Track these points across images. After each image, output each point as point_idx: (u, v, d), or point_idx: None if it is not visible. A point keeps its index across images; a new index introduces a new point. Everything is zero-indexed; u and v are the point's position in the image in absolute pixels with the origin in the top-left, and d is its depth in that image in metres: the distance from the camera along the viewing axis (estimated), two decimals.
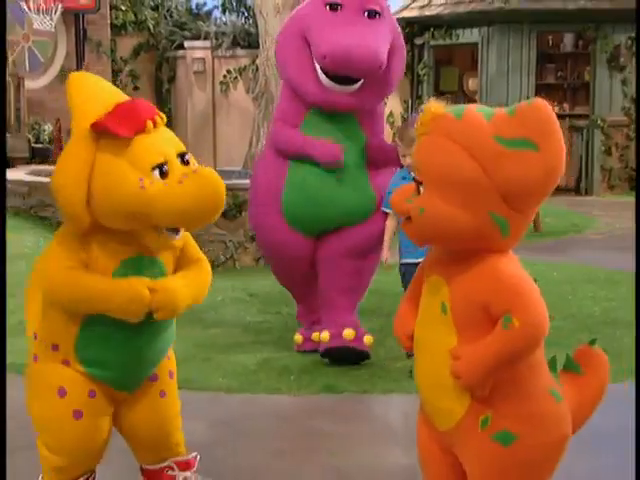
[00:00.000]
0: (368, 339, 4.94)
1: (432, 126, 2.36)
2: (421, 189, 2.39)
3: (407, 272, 4.61)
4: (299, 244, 4.98)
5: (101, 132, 2.66)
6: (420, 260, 4.91)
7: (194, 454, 3.16)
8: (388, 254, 4.89)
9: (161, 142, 2.73)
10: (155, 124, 2.72)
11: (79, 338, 2.81)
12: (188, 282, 2.84)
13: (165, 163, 2.67)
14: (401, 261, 4.81)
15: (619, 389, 4.05)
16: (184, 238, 2.90)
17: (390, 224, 4.87)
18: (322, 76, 4.70)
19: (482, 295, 2.33)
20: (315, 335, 5.05)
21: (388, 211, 4.80)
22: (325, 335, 4.92)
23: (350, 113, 4.85)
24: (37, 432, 2.92)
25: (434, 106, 2.38)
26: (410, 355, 4.62)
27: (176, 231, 2.77)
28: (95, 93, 2.77)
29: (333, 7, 4.72)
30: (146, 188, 2.61)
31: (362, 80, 4.69)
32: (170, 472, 3.09)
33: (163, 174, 2.65)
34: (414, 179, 2.44)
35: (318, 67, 4.73)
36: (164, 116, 2.80)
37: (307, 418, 4.26)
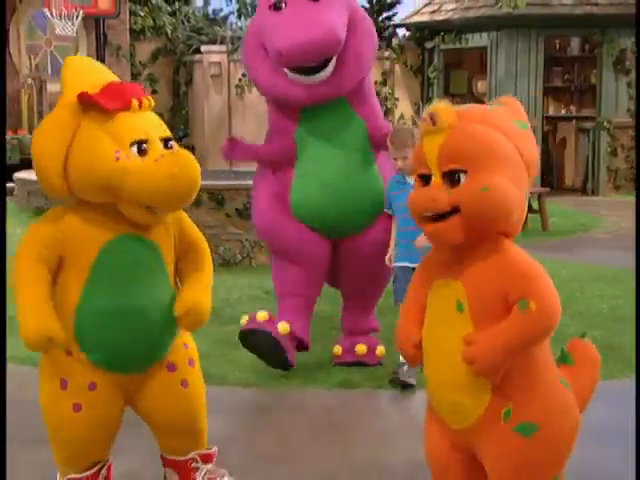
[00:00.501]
0: (380, 350, 4.89)
1: (457, 119, 2.40)
2: (462, 178, 2.36)
3: (400, 275, 4.51)
4: (316, 243, 4.75)
5: (86, 105, 2.67)
6: (414, 265, 4.80)
7: (214, 448, 3.17)
8: (392, 253, 4.69)
9: (144, 122, 2.73)
10: (141, 104, 2.72)
11: (77, 325, 2.78)
12: (207, 288, 2.89)
13: (145, 142, 2.66)
14: (395, 264, 4.64)
15: (624, 384, 4.18)
16: (179, 223, 2.90)
17: (395, 225, 4.70)
18: (289, 73, 4.51)
19: (498, 284, 2.37)
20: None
21: (391, 212, 4.69)
22: (338, 349, 4.93)
23: (341, 102, 4.66)
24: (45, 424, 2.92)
25: (445, 105, 2.42)
26: (402, 384, 4.58)
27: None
28: (87, 73, 2.79)
29: (277, 7, 4.56)
30: (120, 160, 2.61)
31: (331, 66, 4.49)
32: (194, 464, 3.09)
33: (142, 152, 2.65)
34: (447, 173, 2.38)
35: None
36: (152, 100, 2.79)
37: (322, 412, 4.28)
